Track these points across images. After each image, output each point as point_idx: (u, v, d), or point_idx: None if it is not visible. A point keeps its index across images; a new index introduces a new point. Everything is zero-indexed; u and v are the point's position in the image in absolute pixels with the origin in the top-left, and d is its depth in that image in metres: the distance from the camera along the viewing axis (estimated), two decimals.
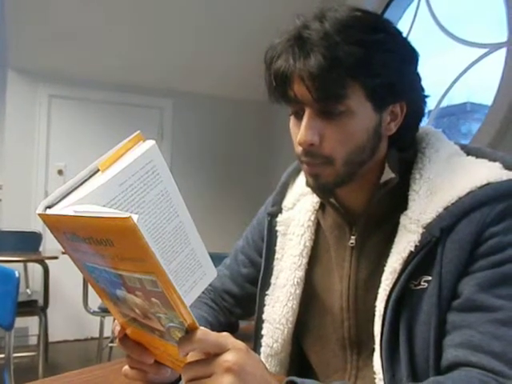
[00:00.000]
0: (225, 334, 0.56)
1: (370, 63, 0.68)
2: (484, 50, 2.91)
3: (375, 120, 0.73)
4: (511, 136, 2.51)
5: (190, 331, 0.53)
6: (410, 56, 0.75)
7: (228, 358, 0.53)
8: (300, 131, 0.72)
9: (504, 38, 2.66)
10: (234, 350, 0.54)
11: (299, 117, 0.74)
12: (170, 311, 0.51)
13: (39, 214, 0.52)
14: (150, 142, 0.58)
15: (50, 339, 3.57)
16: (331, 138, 0.72)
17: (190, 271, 0.64)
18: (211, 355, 0.54)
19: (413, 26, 3.40)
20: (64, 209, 0.51)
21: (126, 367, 0.68)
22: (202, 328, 0.54)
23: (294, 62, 0.69)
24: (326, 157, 0.73)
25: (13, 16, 3.34)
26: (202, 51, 3.88)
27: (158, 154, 0.58)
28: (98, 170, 0.56)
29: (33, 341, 3.70)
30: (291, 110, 0.77)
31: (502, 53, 2.67)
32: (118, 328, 0.65)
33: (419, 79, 0.77)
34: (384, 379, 0.71)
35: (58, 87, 3.97)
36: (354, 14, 0.71)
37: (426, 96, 0.79)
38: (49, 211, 0.52)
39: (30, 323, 3.68)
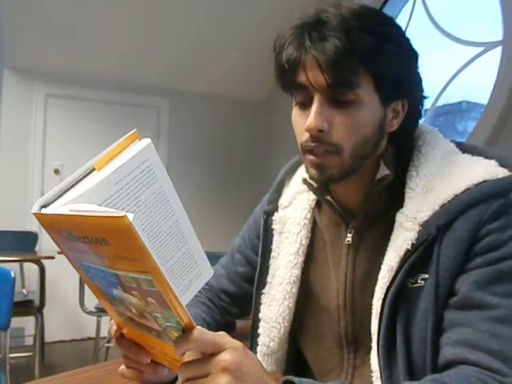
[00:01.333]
0: (221, 333, 0.55)
1: (381, 53, 0.69)
2: (479, 49, 2.91)
3: (381, 114, 0.74)
4: (507, 134, 2.52)
5: (186, 331, 0.53)
6: (412, 54, 0.76)
7: (225, 357, 0.52)
8: (309, 117, 0.72)
9: (499, 36, 2.66)
10: (230, 349, 0.53)
11: (305, 107, 0.74)
12: (167, 311, 0.51)
13: (34, 214, 0.51)
14: (146, 141, 0.58)
15: (46, 339, 3.56)
16: (340, 127, 0.72)
17: (187, 270, 0.64)
18: (208, 355, 0.54)
19: (409, 25, 3.41)
20: (59, 208, 0.51)
21: (123, 367, 0.68)
22: (198, 327, 0.54)
23: (310, 44, 0.69)
24: (334, 145, 0.73)
25: (9, 14, 3.32)
26: (199, 50, 3.88)
27: (154, 153, 0.58)
28: (94, 169, 0.56)
29: (29, 341, 3.69)
30: (297, 100, 0.76)
31: (497, 51, 2.68)
32: (114, 327, 0.65)
33: (420, 79, 0.78)
34: (381, 377, 0.71)
35: (54, 86, 3.96)
36: (365, 7, 0.73)
37: (425, 97, 0.80)
38: (44, 210, 0.52)
39: (26, 323, 3.67)
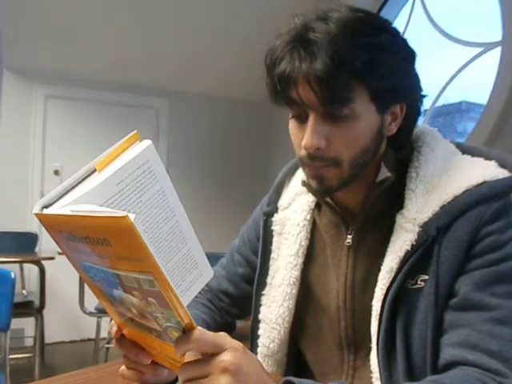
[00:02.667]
0: (222, 333, 0.56)
1: (376, 66, 0.68)
2: (479, 49, 2.92)
3: (378, 122, 0.73)
4: (506, 135, 2.52)
5: (187, 331, 0.53)
6: (409, 56, 0.75)
7: (225, 357, 0.53)
8: (306, 136, 0.72)
9: (498, 37, 2.67)
10: (230, 349, 0.53)
11: (301, 120, 0.74)
12: (167, 311, 0.51)
13: (36, 214, 0.52)
14: (147, 142, 0.58)
15: (46, 340, 3.56)
16: (337, 142, 0.71)
17: (187, 271, 0.64)
18: (208, 355, 0.54)
19: (408, 25, 3.42)
20: (61, 208, 0.51)
21: (123, 368, 0.67)
22: (199, 328, 0.54)
23: (299, 64, 0.68)
24: (332, 159, 0.72)
25: (8, 15, 3.32)
26: (198, 51, 3.88)
27: (155, 154, 0.58)
28: (95, 170, 0.56)
29: (29, 342, 3.69)
30: (292, 113, 0.76)
31: (496, 52, 2.68)
32: (114, 328, 0.65)
33: (418, 79, 0.77)
34: (381, 378, 0.72)
35: (53, 87, 3.96)
36: (357, 15, 0.70)
37: (424, 96, 0.79)
38: (45, 211, 0.52)
39: (26, 324, 3.67)
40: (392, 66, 0.70)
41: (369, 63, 0.67)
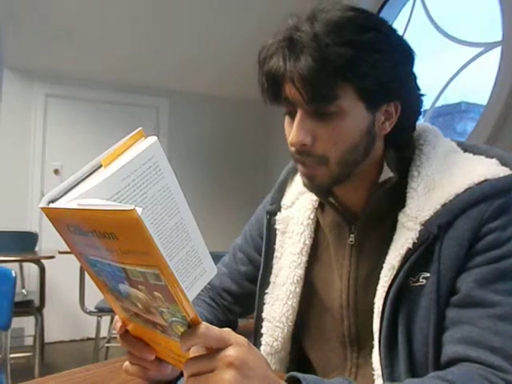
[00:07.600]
0: (227, 329, 0.56)
1: (360, 64, 0.68)
2: (479, 50, 2.92)
3: (368, 120, 0.73)
4: (506, 135, 2.52)
5: (192, 326, 0.53)
6: (404, 55, 0.74)
7: (230, 352, 0.53)
8: (292, 132, 0.73)
9: (498, 37, 2.67)
10: (236, 344, 0.54)
11: (292, 117, 0.74)
12: (173, 305, 0.51)
13: (42, 208, 0.52)
14: (152, 139, 0.59)
15: (46, 340, 3.55)
16: (324, 139, 0.72)
17: (191, 268, 0.65)
18: (213, 350, 0.54)
19: (408, 25, 3.42)
20: (67, 203, 0.52)
21: (127, 363, 0.68)
22: (204, 323, 0.54)
23: (284, 63, 0.70)
24: (320, 156, 0.73)
25: (8, 14, 3.32)
26: (198, 50, 3.88)
27: (160, 151, 0.59)
28: (101, 166, 0.57)
29: (28, 341, 3.69)
30: (285, 110, 0.77)
31: (496, 52, 2.68)
32: (119, 324, 0.65)
33: (414, 78, 0.77)
34: (383, 375, 0.72)
35: (54, 86, 3.96)
36: (346, 14, 0.70)
37: (422, 95, 0.78)
38: (52, 205, 0.53)
39: (26, 324, 3.67)
40: (377, 65, 0.69)
41: (352, 61, 0.67)
